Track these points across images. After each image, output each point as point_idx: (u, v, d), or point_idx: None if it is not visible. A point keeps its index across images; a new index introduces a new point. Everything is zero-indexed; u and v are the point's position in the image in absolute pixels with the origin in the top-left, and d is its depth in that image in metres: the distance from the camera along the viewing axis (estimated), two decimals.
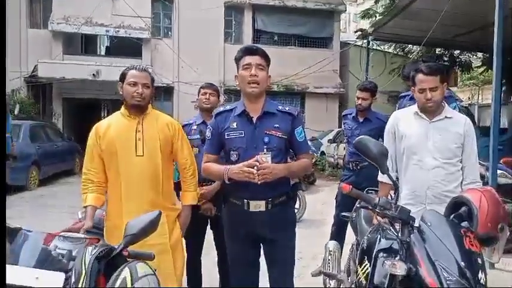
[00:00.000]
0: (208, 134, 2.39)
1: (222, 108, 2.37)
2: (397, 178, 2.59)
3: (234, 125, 2.26)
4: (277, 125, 2.24)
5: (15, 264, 1.40)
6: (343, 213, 2.98)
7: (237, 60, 2.30)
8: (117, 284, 1.33)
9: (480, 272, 1.60)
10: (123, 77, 2.44)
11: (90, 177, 2.43)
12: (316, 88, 16.02)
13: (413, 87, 3.73)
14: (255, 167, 2.09)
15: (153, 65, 14.91)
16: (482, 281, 1.58)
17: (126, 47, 15.77)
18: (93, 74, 14.01)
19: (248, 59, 2.24)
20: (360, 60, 11.22)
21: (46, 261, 1.44)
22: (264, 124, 2.25)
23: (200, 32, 15.27)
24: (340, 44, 16.81)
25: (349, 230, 3.73)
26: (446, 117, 2.48)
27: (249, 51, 2.28)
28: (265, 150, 2.19)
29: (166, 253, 2.38)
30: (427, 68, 2.44)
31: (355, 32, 12.82)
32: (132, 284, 1.34)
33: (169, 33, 16.16)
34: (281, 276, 2.31)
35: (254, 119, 2.25)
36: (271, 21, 16.42)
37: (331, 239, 3.70)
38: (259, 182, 2.10)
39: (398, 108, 3.98)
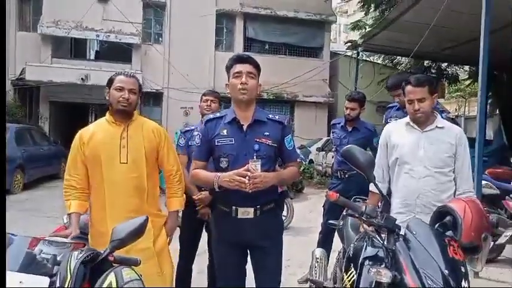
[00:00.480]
0: (197, 140, 2.39)
1: (212, 116, 2.37)
2: (389, 189, 2.62)
3: (225, 132, 2.26)
4: (267, 133, 2.26)
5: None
6: (330, 221, 3.00)
7: (228, 68, 2.31)
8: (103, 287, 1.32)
9: (463, 280, 1.63)
10: (110, 82, 2.43)
11: (72, 184, 2.40)
12: (306, 97, 16.14)
13: (397, 98, 3.80)
14: (247, 177, 2.10)
15: (143, 71, 14.87)
16: None
17: (115, 51, 15.72)
18: (82, 78, 13.92)
19: (239, 67, 2.25)
20: (349, 70, 11.37)
21: (31, 265, 1.43)
22: (254, 132, 2.26)
23: (191, 38, 15.31)
24: (330, 54, 16.99)
25: (336, 237, 3.75)
26: (437, 127, 2.50)
27: (240, 59, 2.30)
28: (255, 157, 2.19)
29: (152, 258, 2.36)
30: (415, 79, 2.47)
31: (345, 43, 12.99)
32: None
33: (160, 39, 16.16)
34: (268, 283, 2.30)
35: (244, 127, 2.26)
36: (263, 30, 16.53)
37: (318, 246, 3.71)
38: (250, 191, 2.10)
39: (385, 119, 4.03)
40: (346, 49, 11.79)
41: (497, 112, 13.00)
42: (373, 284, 1.70)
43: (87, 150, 2.38)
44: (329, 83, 16.85)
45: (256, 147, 2.22)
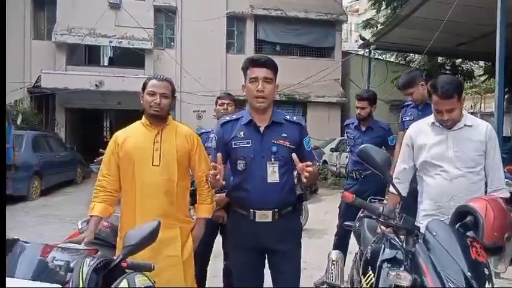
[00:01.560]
0: (213, 143, 2.38)
1: (228, 118, 2.35)
2: (414, 190, 2.55)
3: (241, 134, 2.24)
4: (285, 135, 2.22)
5: (12, 276, 1.38)
6: (346, 223, 2.95)
7: (244, 70, 2.27)
8: None
9: (487, 282, 1.57)
10: (143, 87, 2.45)
11: (103, 184, 2.42)
12: (318, 97, 16.04)
13: (410, 97, 3.71)
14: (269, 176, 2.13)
15: None
16: None
17: (128, 57, 15.90)
18: (96, 85, 14.09)
19: (255, 72, 2.20)
20: (361, 69, 11.25)
21: (43, 273, 1.42)
22: (271, 133, 2.22)
23: (202, 42, 15.39)
24: (342, 54, 16.87)
25: (352, 239, 3.69)
26: (466, 125, 2.40)
27: (255, 63, 2.24)
28: (272, 159, 2.17)
29: (179, 266, 2.35)
30: (443, 91, 2.31)
31: (359, 37, 12.90)
32: None
33: (172, 43, 16.28)
34: (285, 285, 2.26)
35: (261, 128, 2.23)
36: (273, 31, 16.51)
37: (334, 248, 3.66)
38: (305, 180, 2.05)
39: (401, 118, 3.95)
40: (358, 48, 11.69)
41: None
42: (393, 287, 1.65)
43: (121, 152, 2.40)
44: (341, 82, 16.73)
45: (274, 148, 2.19)
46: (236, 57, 16.38)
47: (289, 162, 2.21)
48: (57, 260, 1.49)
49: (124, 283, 1.34)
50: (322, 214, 7.44)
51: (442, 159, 2.40)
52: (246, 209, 2.23)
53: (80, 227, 2.63)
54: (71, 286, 1.35)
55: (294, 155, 2.09)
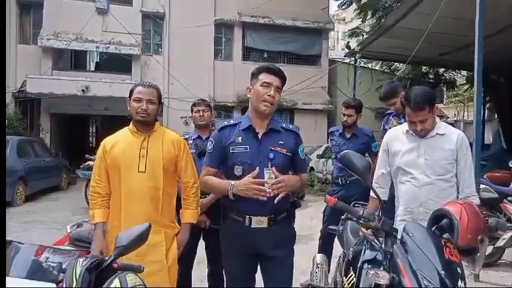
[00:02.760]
0: (209, 147, 2.38)
1: (226, 123, 2.38)
2: (393, 194, 2.64)
3: (239, 139, 2.26)
4: (282, 142, 2.27)
5: (7, 275, 1.42)
6: (330, 227, 3.03)
7: (255, 75, 2.31)
8: None
9: (460, 280, 1.67)
10: (130, 93, 2.50)
11: (98, 191, 2.47)
12: (305, 104, 16.21)
13: (393, 107, 3.84)
14: (266, 184, 2.13)
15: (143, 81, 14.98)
16: None
17: (115, 62, 15.84)
18: (83, 90, 14.01)
19: (269, 78, 2.26)
20: (348, 77, 11.44)
21: (37, 272, 1.47)
22: (269, 140, 2.26)
23: (190, 48, 15.44)
24: (329, 62, 17.09)
25: (336, 243, 3.79)
26: (438, 134, 2.50)
27: (271, 70, 2.30)
28: (269, 166, 2.20)
29: (163, 270, 2.38)
30: (414, 104, 2.42)
31: (346, 45, 13.08)
32: None
33: (160, 49, 16.29)
34: None
35: (260, 135, 2.27)
36: (261, 39, 16.65)
37: (318, 252, 3.74)
38: (279, 196, 2.13)
39: (383, 125, 4.08)
40: (344, 56, 11.89)
41: (496, 116, 13.07)
42: (372, 285, 1.73)
43: (108, 158, 2.45)
44: (328, 90, 16.93)
45: (271, 155, 2.23)
46: (224, 64, 16.49)
47: (285, 168, 2.27)
48: (50, 261, 1.54)
49: (116, 282, 1.40)
50: (308, 220, 7.52)
51: (413, 166, 2.50)
52: (242, 215, 2.24)
53: (69, 230, 2.67)
54: (65, 285, 1.40)
55: (274, 171, 2.17)
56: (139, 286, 1.45)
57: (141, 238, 1.62)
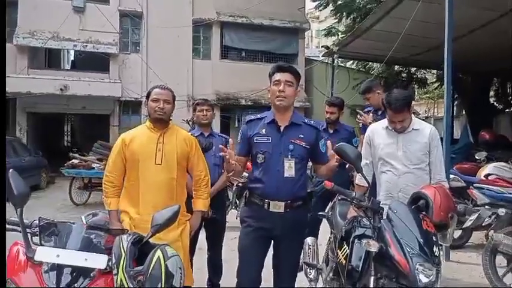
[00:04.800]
0: (238, 138, 2.67)
1: (253, 117, 2.65)
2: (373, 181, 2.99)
3: (263, 131, 2.52)
4: (302, 135, 2.51)
5: (63, 247, 1.69)
6: (319, 213, 3.36)
7: (270, 76, 2.56)
8: (153, 261, 1.63)
9: (435, 246, 2.03)
10: (148, 95, 2.78)
11: (111, 180, 2.75)
12: None
13: (368, 101, 4.24)
14: (285, 172, 2.43)
15: (122, 80, 15.01)
16: (436, 254, 2.01)
17: (93, 61, 15.74)
18: (61, 89, 13.93)
19: (278, 76, 2.48)
20: (325, 75, 11.80)
21: (89, 246, 1.73)
22: (290, 133, 2.50)
23: (168, 47, 15.50)
24: (305, 60, 17.49)
25: (321, 230, 4.14)
26: (413, 129, 2.87)
27: (279, 68, 2.52)
28: (289, 156, 2.44)
29: (179, 250, 2.61)
30: (395, 106, 2.78)
31: (321, 47, 13.44)
32: (165, 262, 1.65)
33: (138, 48, 16.26)
34: (286, 275, 2.55)
35: (282, 128, 2.51)
36: (239, 38, 16.87)
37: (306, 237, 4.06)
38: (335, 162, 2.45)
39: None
40: (322, 56, 12.28)
41: (464, 112, 13.79)
42: (363, 254, 2.08)
43: (127, 151, 2.71)
44: (305, 88, 17.34)
45: (291, 147, 2.47)
46: (202, 62, 16.62)
47: (304, 160, 2.52)
48: (97, 237, 1.80)
49: (159, 252, 1.67)
50: None
51: (393, 157, 2.87)
52: (262, 199, 2.49)
53: (84, 221, 2.88)
54: (113, 256, 1.66)
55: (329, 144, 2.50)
56: (176, 256, 1.73)
57: (174, 217, 1.89)
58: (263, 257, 2.59)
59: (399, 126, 2.82)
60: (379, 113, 4.19)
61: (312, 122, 2.63)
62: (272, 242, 2.58)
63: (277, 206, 2.46)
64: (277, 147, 2.47)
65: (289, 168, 2.43)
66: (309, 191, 2.66)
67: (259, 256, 2.55)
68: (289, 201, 2.46)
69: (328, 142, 2.61)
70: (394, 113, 2.79)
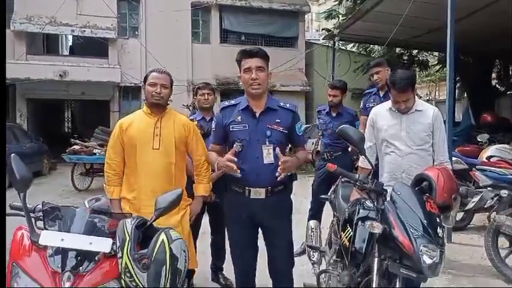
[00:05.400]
0: (213, 125, 2.63)
1: (227, 103, 2.59)
2: (378, 163, 2.98)
3: (239, 118, 2.46)
4: (279, 120, 2.45)
5: (68, 231, 1.69)
6: (322, 196, 3.36)
7: (238, 62, 2.49)
8: (158, 244, 1.64)
9: (438, 228, 2.03)
10: (145, 79, 2.74)
11: (114, 167, 2.73)
12: (283, 86, 16.43)
13: (376, 76, 4.20)
14: (264, 159, 2.36)
15: (121, 65, 14.90)
16: (440, 235, 2.00)
17: (91, 46, 15.59)
18: (60, 75, 13.85)
19: (248, 62, 2.41)
20: (326, 59, 11.69)
21: (93, 230, 1.73)
22: (266, 119, 2.44)
23: (167, 31, 15.34)
24: (305, 43, 17.34)
25: (324, 214, 4.16)
26: (417, 110, 2.85)
27: (247, 54, 2.44)
28: (267, 143, 2.39)
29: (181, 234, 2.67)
30: (399, 86, 2.75)
31: (322, 30, 13.28)
32: (169, 245, 1.65)
33: (136, 32, 16.11)
34: (280, 260, 2.53)
35: (257, 114, 2.46)
36: (238, 21, 16.70)
37: (309, 220, 4.08)
38: (282, 176, 2.32)
39: (363, 104, 4.42)
40: (323, 39, 12.17)
41: (465, 95, 13.72)
42: (367, 236, 2.08)
43: (125, 137, 2.69)
44: (305, 72, 17.23)
45: (268, 133, 2.41)
46: (201, 46, 16.48)
47: (282, 145, 2.47)
48: (100, 221, 1.80)
49: (163, 235, 1.67)
50: (292, 196, 7.89)
51: (396, 138, 2.86)
52: (242, 186, 2.45)
53: (87, 205, 2.89)
54: (118, 240, 1.66)
55: (278, 153, 2.36)
56: (180, 239, 1.73)
57: (177, 201, 1.89)
58: (254, 245, 2.58)
59: (403, 106, 2.80)
60: (382, 94, 4.16)
61: (288, 104, 2.56)
62: (260, 228, 2.57)
63: (258, 193, 2.44)
64: (254, 134, 2.43)
65: (268, 155, 2.39)
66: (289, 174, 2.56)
67: (249, 245, 2.56)
68: (269, 188, 2.44)
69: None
70: (398, 92, 2.77)
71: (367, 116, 4.14)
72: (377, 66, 4.21)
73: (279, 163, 2.33)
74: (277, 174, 2.33)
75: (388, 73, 4.04)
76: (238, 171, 2.34)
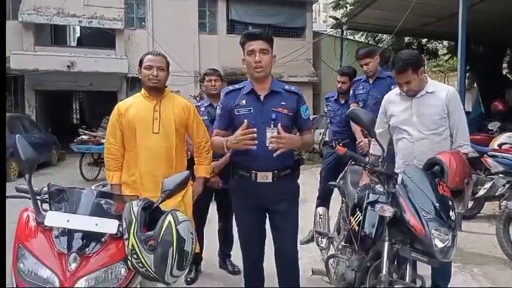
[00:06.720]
0: (218, 111, 2.57)
1: (231, 87, 2.54)
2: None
3: (243, 102, 2.42)
4: (284, 103, 2.41)
5: (74, 213, 1.67)
6: (331, 182, 3.31)
7: (242, 44, 2.44)
8: (165, 225, 1.61)
9: (451, 211, 1.98)
10: (140, 62, 2.68)
11: (113, 152, 2.69)
12: (291, 77, 16.32)
13: (366, 66, 4.08)
14: (267, 141, 2.28)
15: (128, 56, 14.89)
16: (452, 218, 1.95)
17: (99, 37, 15.65)
18: (68, 66, 13.90)
19: (252, 45, 2.35)
20: (333, 49, 11.59)
21: (99, 211, 1.71)
22: (271, 102, 2.39)
23: (174, 22, 15.34)
24: (313, 34, 17.20)
25: (332, 202, 4.12)
26: (427, 92, 2.70)
27: (251, 36, 2.39)
28: (272, 125, 2.34)
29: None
30: (398, 67, 2.64)
31: (329, 17, 13.11)
32: (176, 226, 1.63)
33: (143, 23, 16.10)
34: (286, 243, 2.48)
35: (262, 97, 2.41)
36: (245, 12, 16.61)
37: (317, 207, 4.05)
38: (278, 151, 2.25)
39: (353, 91, 4.30)
40: (331, 28, 12.04)
41: (475, 85, 13.53)
42: (377, 220, 2.04)
43: (123, 120, 2.65)
44: (312, 62, 17.11)
45: (274, 116, 2.36)
46: (208, 37, 16.43)
47: (288, 128, 2.41)
48: (107, 204, 1.78)
49: (170, 217, 1.64)
50: (301, 185, 7.87)
51: (407, 124, 2.75)
52: (248, 171, 2.41)
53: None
54: (124, 221, 1.64)
55: (280, 129, 2.28)
56: (187, 221, 1.70)
57: (184, 183, 1.86)
58: (262, 229, 2.55)
59: (405, 88, 2.69)
60: (371, 81, 4.08)
61: (293, 88, 2.50)
62: (266, 213, 2.53)
63: (265, 177, 2.40)
64: (259, 117, 2.38)
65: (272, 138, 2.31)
66: (295, 158, 2.54)
67: (257, 230, 2.52)
68: (276, 171, 2.40)
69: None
70: (397, 73, 2.66)
71: (357, 103, 4.13)
72: (366, 57, 4.05)
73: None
74: (270, 147, 2.26)
75: (378, 61, 4.03)
76: (256, 142, 2.27)
